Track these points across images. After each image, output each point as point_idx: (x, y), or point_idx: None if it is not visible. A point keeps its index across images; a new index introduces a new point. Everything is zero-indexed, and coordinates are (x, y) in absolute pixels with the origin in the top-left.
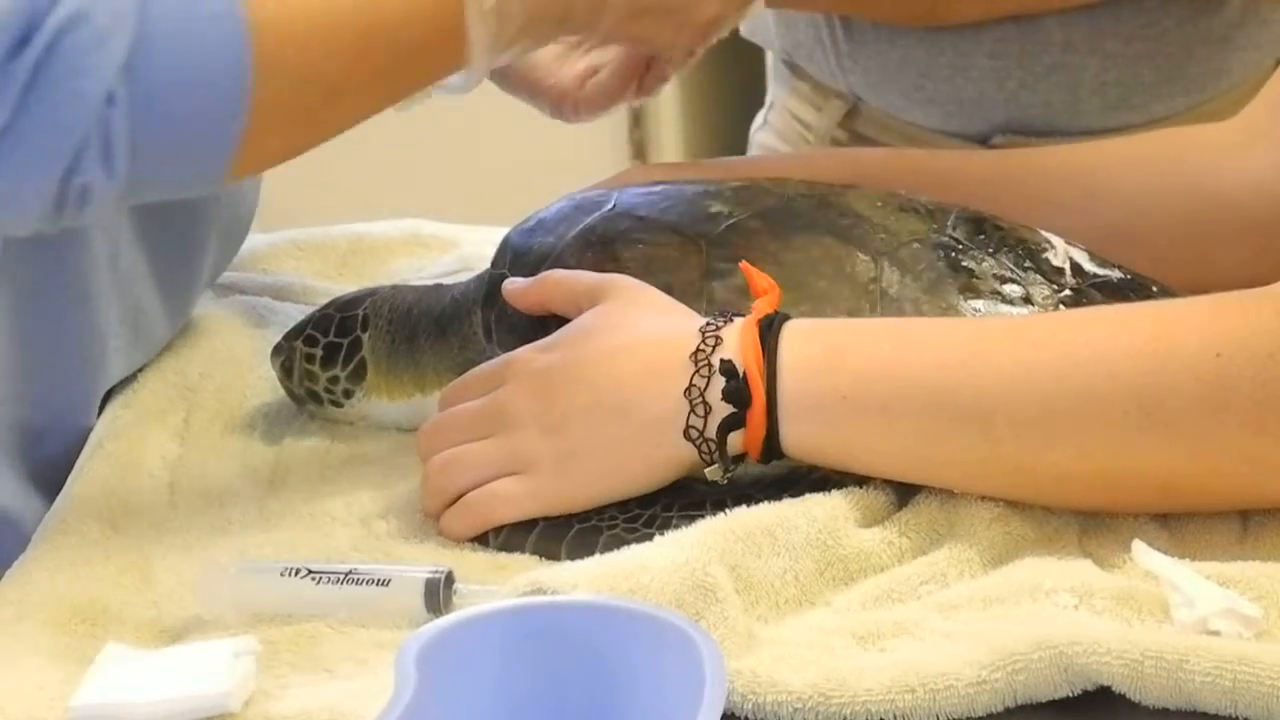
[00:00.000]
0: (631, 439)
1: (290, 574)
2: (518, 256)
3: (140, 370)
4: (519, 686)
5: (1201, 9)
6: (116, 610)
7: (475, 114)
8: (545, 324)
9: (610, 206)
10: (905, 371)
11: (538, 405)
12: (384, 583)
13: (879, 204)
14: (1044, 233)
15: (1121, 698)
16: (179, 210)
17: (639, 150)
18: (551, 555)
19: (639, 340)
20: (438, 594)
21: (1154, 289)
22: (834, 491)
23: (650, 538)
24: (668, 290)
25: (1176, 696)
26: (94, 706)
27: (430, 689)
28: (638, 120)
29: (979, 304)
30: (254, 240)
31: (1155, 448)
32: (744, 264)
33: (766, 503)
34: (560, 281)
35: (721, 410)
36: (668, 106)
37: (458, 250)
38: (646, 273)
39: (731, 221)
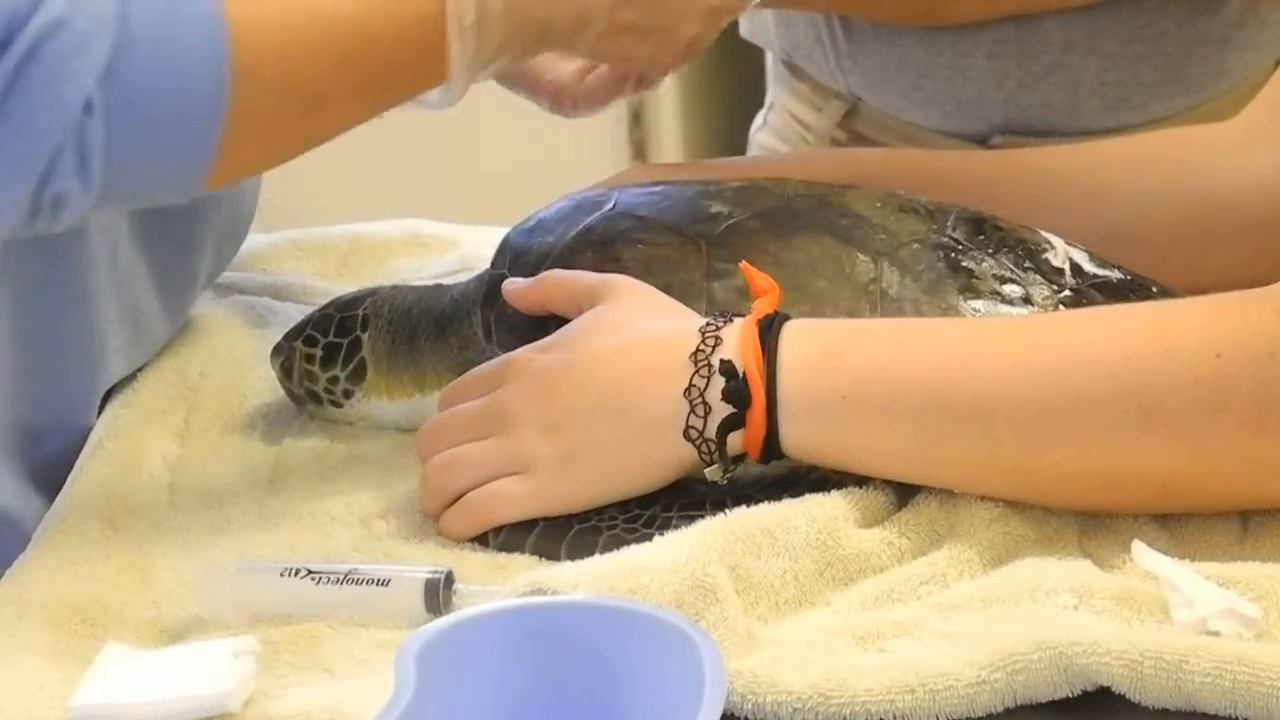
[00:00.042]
0: (631, 439)
1: (290, 574)
2: (518, 256)
3: (140, 370)
4: (519, 687)
5: (1201, 9)
6: (116, 610)
7: (475, 114)
8: (545, 324)
9: (610, 206)
10: (905, 372)
11: (537, 405)
12: (384, 583)
13: (879, 204)
14: (1044, 233)
15: (1121, 698)
16: (178, 210)
17: (639, 150)
18: (551, 555)
19: (639, 340)
20: (437, 594)
21: (1154, 289)
22: (834, 492)
23: (650, 538)
24: (667, 290)
25: (1176, 697)
26: (94, 706)
27: (430, 689)
28: (638, 120)
29: (979, 304)
30: (254, 240)
31: (1155, 448)
32: (744, 264)
33: (766, 503)
34: (560, 282)
35: (721, 410)
36: (668, 107)
37: (458, 250)
38: (646, 273)
39: (731, 222)
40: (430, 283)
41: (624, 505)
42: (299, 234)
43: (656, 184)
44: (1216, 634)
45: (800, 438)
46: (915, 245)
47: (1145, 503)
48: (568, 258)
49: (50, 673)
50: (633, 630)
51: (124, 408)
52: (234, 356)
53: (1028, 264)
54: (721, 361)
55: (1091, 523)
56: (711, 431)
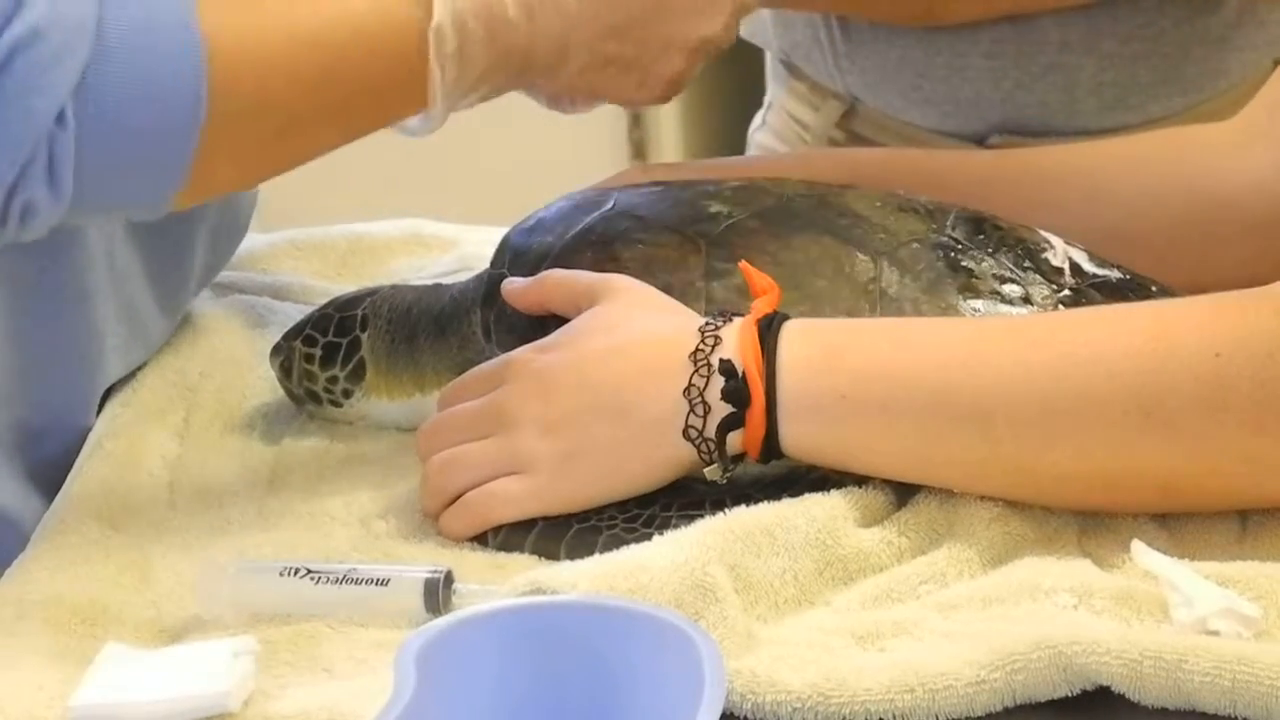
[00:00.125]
0: (631, 439)
1: (289, 574)
2: (517, 256)
3: (140, 369)
4: (518, 686)
5: (1198, 9)
6: (116, 610)
7: (475, 114)
8: (544, 324)
9: (609, 206)
10: (904, 371)
11: (537, 405)
12: (383, 582)
13: (878, 204)
14: (1043, 233)
15: (1120, 697)
16: None
17: (638, 150)
18: (551, 555)
19: (638, 340)
20: (437, 594)
21: (1153, 289)
22: (833, 491)
23: (649, 537)
24: (667, 290)
25: (1175, 696)
26: (93, 706)
27: (429, 689)
28: (637, 120)
29: (978, 304)
30: (253, 240)
31: (1154, 448)
32: (743, 264)
33: (766, 502)
34: (560, 281)
35: (721, 410)
36: (667, 107)
37: (457, 250)
38: (646, 273)
39: (731, 221)
40: (429, 282)
41: (623, 505)
42: (298, 234)
43: (656, 184)
44: (1216, 633)
45: (800, 437)
46: (915, 245)
47: (1145, 502)
48: (567, 257)
49: (50, 672)
50: (632, 630)
51: (123, 407)
52: (233, 356)
53: (1027, 263)
54: (721, 361)
55: (1091, 522)
56: (711, 431)
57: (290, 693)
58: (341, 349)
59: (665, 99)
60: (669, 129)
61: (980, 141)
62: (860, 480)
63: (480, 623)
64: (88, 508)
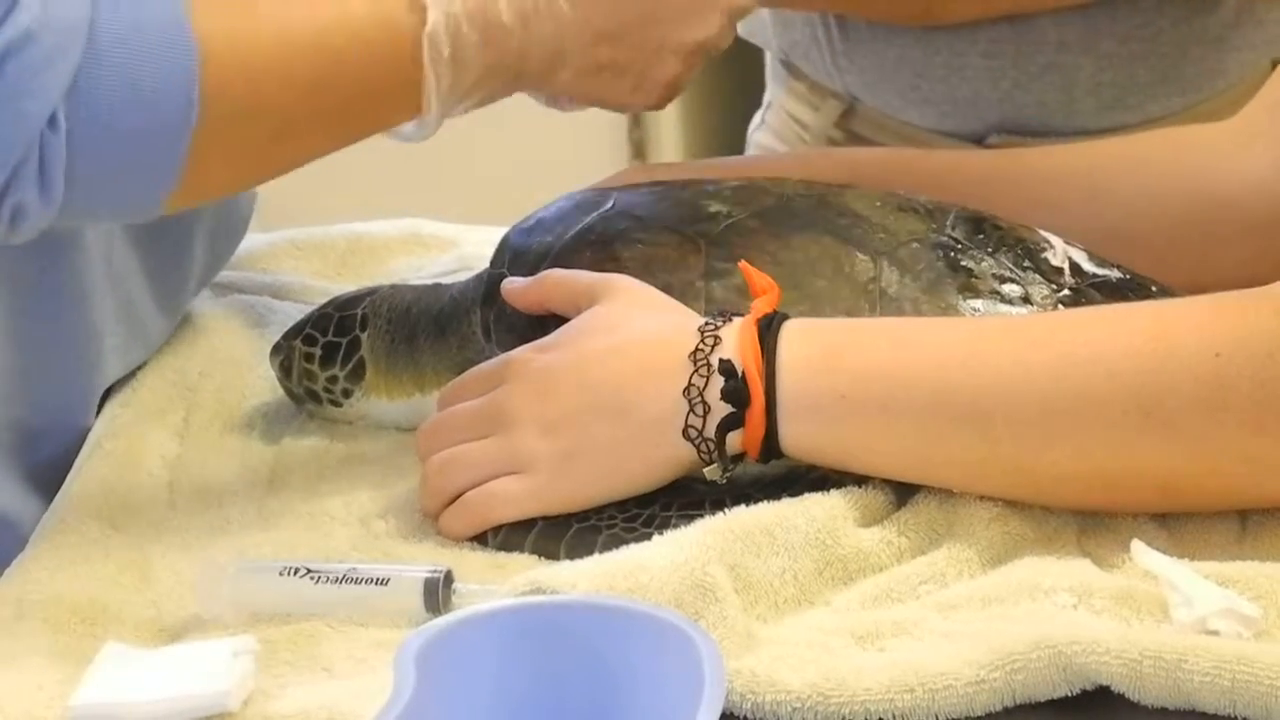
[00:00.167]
0: (630, 439)
1: (289, 573)
2: (517, 256)
3: (139, 369)
4: (518, 686)
5: (1197, 9)
6: (116, 609)
7: (474, 114)
8: (544, 323)
9: (609, 206)
10: (904, 371)
11: (536, 405)
12: (383, 582)
13: (878, 203)
14: (1043, 232)
15: (1120, 697)
16: None
17: (638, 150)
18: (550, 555)
19: (637, 340)
20: (437, 593)
21: (1153, 289)
22: (833, 491)
23: (649, 537)
24: (667, 290)
25: (1175, 696)
26: (93, 706)
27: (429, 688)
28: (637, 120)
29: (978, 304)
30: (253, 240)
31: (1154, 447)
32: (743, 264)
33: (765, 502)
34: (559, 281)
35: (720, 410)
36: (668, 106)
37: (457, 250)
38: (645, 272)
39: (730, 221)
40: (429, 282)
41: (623, 504)
42: (298, 233)
43: (655, 184)
44: (1215, 633)
45: (799, 437)
46: (914, 244)
47: (1144, 502)
48: (567, 257)
49: (49, 672)
50: (632, 630)
51: (123, 407)
52: (233, 356)
53: (1027, 263)
54: (721, 361)
55: (1090, 522)
56: (711, 431)
57: (290, 692)
58: (341, 348)
59: (661, 104)
60: (669, 129)
61: (978, 141)
62: (860, 480)
63: (480, 622)
64: (87, 507)
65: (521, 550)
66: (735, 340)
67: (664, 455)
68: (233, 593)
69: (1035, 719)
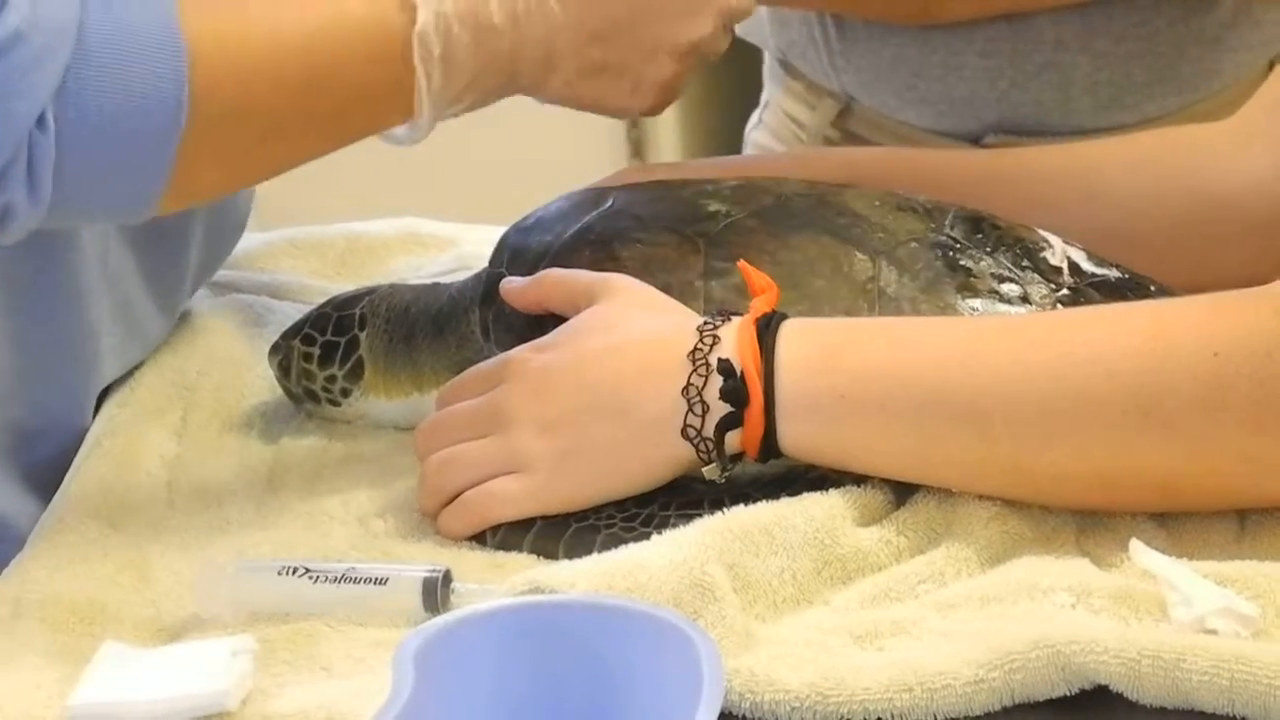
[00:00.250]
0: (629, 438)
1: (288, 573)
2: (515, 255)
3: (137, 368)
4: (517, 685)
5: (1193, 9)
6: (114, 609)
7: (473, 113)
8: (543, 323)
9: (608, 205)
10: (903, 371)
11: (535, 404)
12: (381, 582)
13: (877, 203)
14: (1042, 232)
15: (1119, 696)
16: None
17: (637, 149)
18: (549, 554)
19: (636, 340)
20: (435, 593)
21: (1152, 288)
22: (832, 490)
23: (648, 537)
24: (665, 289)
25: (1174, 695)
26: (92, 705)
27: (428, 688)
28: (635, 120)
29: (977, 303)
30: (251, 239)
31: (1153, 447)
32: (742, 263)
33: (764, 502)
34: (558, 280)
35: (719, 409)
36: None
37: (455, 249)
38: (644, 272)
39: (729, 220)
40: (428, 281)
41: (622, 504)
42: (296, 233)
43: (654, 183)
44: (1214, 632)
45: (798, 436)
46: (913, 244)
47: (1143, 502)
48: (566, 256)
49: (48, 672)
50: (631, 629)
51: (121, 406)
52: (231, 355)
53: (1026, 263)
54: (719, 360)
55: (1089, 521)
56: (709, 430)
57: (289, 692)
58: (340, 348)
59: (659, 107)
60: (667, 128)
61: (975, 140)
62: (859, 479)
63: (479, 622)
64: (86, 507)
65: (520, 550)
66: (734, 340)
67: (663, 455)
68: (231, 592)
69: (1034, 718)
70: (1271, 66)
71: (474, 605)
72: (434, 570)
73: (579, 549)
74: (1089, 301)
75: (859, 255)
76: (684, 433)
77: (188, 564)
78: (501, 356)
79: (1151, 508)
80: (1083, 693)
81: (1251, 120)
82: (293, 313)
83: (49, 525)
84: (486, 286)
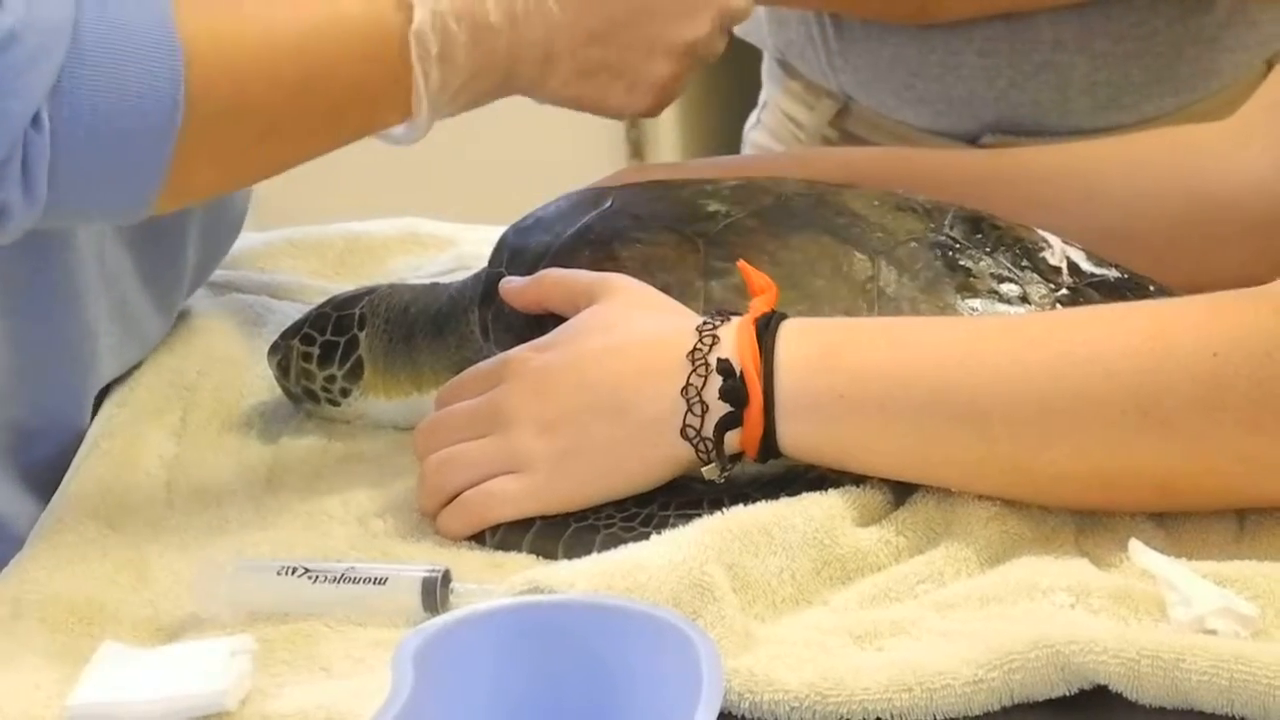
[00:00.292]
0: (628, 438)
1: (287, 573)
2: (515, 255)
3: (136, 368)
4: (516, 685)
5: (1191, 9)
6: (113, 609)
7: (473, 113)
8: (542, 323)
9: (608, 205)
10: (902, 370)
11: (535, 404)
12: (381, 581)
13: (876, 203)
14: (1041, 232)
15: (1118, 696)
16: None
17: (636, 149)
18: (548, 554)
19: (636, 339)
20: (435, 593)
21: (1151, 288)
22: (831, 490)
23: (647, 537)
24: (665, 289)
25: (1173, 695)
26: (91, 705)
27: (427, 688)
28: (635, 120)
29: (976, 303)
30: (250, 239)
31: (1152, 447)
32: (741, 263)
33: (763, 502)
34: (558, 280)
35: (719, 409)
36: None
37: (455, 249)
38: (644, 272)
39: (729, 220)
40: (427, 281)
41: (621, 504)
42: (295, 233)
43: (653, 183)
44: (1213, 632)
45: (797, 436)
46: (913, 244)
47: (1142, 501)
48: (565, 256)
49: (47, 672)
50: (630, 629)
51: (120, 406)
52: (231, 355)
53: (1025, 262)
54: (719, 360)
55: (1089, 521)
56: (709, 430)
57: (288, 692)
58: (339, 348)
59: (657, 108)
60: (667, 128)
61: (973, 140)
62: (858, 479)
63: (478, 622)
64: (85, 507)
65: (519, 550)
66: (733, 339)
67: (662, 455)
68: (230, 592)
69: (1033, 718)
70: (1269, 66)
71: (473, 605)
72: (433, 570)
73: (578, 549)
74: (1088, 301)
75: (858, 255)
76: (683, 433)
77: (187, 564)
78: (501, 356)
79: (1150, 507)
80: (1082, 693)
81: (1251, 120)
82: (292, 313)
83: (48, 525)
84: (486, 286)
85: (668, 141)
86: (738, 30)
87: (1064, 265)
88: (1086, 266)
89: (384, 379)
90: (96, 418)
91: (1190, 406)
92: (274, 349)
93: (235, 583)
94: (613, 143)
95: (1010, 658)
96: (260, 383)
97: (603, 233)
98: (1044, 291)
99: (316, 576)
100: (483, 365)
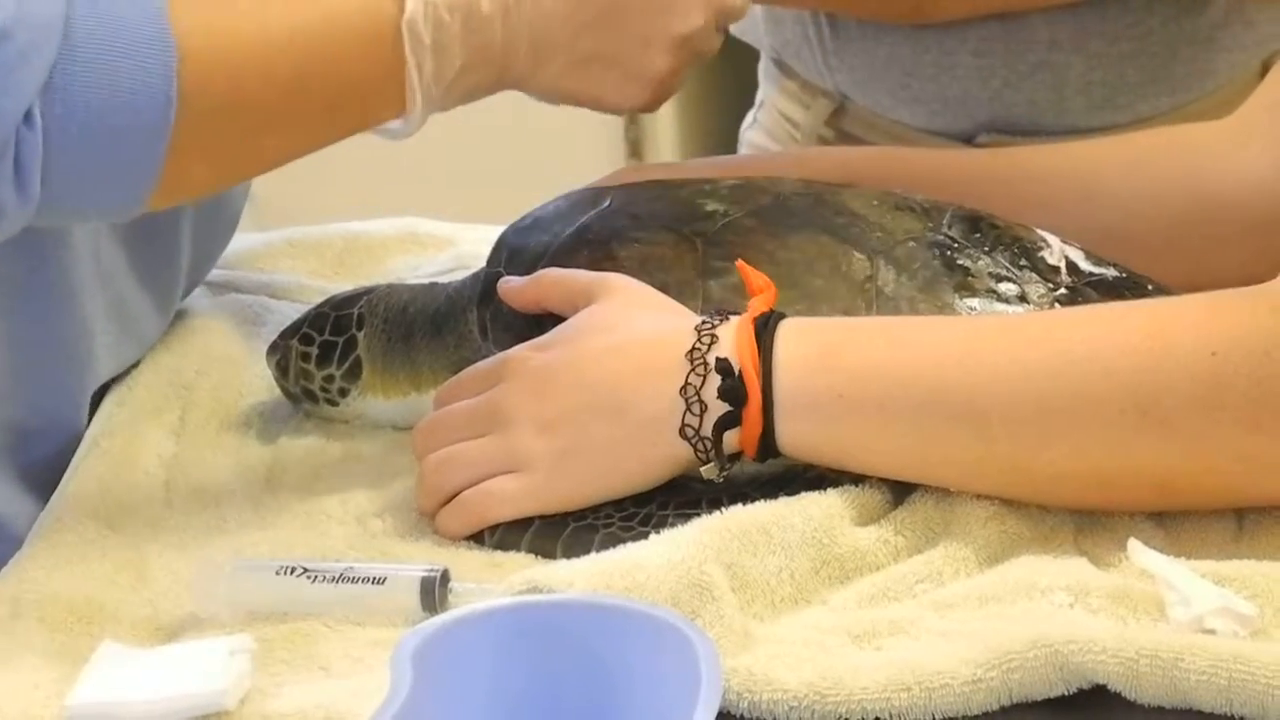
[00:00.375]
0: (627, 438)
1: (286, 572)
2: (514, 255)
3: (135, 368)
4: (515, 685)
5: (1186, 9)
6: (112, 608)
7: (471, 112)
8: (541, 322)
9: (606, 205)
10: (901, 370)
11: (533, 404)
12: (379, 581)
13: (875, 202)
14: (1039, 231)
15: (1117, 696)
16: None
17: (635, 149)
18: (547, 554)
19: (634, 339)
20: (433, 592)
21: (1149, 287)
22: (830, 490)
23: (646, 536)
24: (663, 289)
25: (1172, 695)
26: (90, 705)
27: (426, 687)
28: (633, 119)
29: (974, 302)
30: (250, 239)
31: (1151, 446)
32: (740, 262)
33: (762, 501)
34: (556, 280)
35: (717, 409)
36: (664, 106)
37: (454, 249)
38: (642, 271)
39: (727, 220)
40: (426, 281)
41: (620, 503)
42: (294, 232)
43: (652, 183)
44: (1212, 632)
45: (796, 436)
46: (911, 243)
47: (1141, 501)
48: (564, 256)
49: (46, 671)
50: (629, 629)
51: (119, 406)
52: (229, 355)
53: (1023, 262)
54: (717, 360)
55: (1087, 521)
56: (708, 430)
57: (287, 691)
58: (338, 348)
59: (653, 103)
60: (665, 128)
61: (968, 140)
62: (857, 479)
63: (476, 621)
64: (84, 507)
65: (518, 549)
66: (732, 339)
67: (661, 454)
68: (229, 592)
69: (1032, 718)
70: (1265, 67)
71: (472, 605)
72: (432, 570)
73: (577, 548)
74: (1087, 300)
75: (857, 254)
76: (682, 432)
77: (186, 563)
78: (500, 356)
79: (1149, 507)
80: (1080, 692)
81: (1251, 120)
82: (291, 312)
83: (47, 525)
84: (484, 286)
85: (666, 141)
86: (734, 30)
87: (1062, 264)
88: (1085, 266)
89: (382, 379)
90: (95, 417)
91: (1189, 405)
92: (273, 349)
93: (234, 582)
94: (611, 142)
95: (1009, 657)
96: (259, 382)
97: (601, 232)
98: (1042, 291)
99: (315, 576)
100: (481, 365)
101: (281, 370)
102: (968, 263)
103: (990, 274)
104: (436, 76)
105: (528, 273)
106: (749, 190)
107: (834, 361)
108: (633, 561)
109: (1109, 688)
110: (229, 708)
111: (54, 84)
